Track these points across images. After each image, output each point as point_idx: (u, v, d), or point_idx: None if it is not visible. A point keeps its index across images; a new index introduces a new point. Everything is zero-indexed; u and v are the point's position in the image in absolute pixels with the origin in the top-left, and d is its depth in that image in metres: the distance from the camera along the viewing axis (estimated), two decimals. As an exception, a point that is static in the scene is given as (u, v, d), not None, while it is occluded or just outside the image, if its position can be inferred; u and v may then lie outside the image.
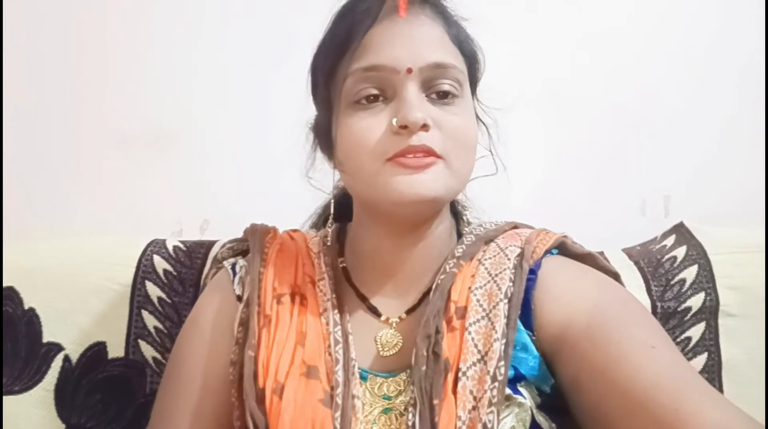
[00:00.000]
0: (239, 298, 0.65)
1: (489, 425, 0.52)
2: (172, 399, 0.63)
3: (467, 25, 0.66)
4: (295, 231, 0.74)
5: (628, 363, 0.53)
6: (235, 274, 0.67)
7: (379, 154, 0.58)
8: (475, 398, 0.54)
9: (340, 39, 0.61)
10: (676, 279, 0.81)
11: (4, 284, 0.80)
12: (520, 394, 0.57)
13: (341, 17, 0.63)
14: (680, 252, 0.84)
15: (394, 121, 0.58)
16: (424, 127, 0.58)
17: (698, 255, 0.83)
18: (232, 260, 0.70)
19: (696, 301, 0.80)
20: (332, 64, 0.62)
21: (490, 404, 0.53)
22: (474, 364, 0.56)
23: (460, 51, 0.63)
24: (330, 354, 0.59)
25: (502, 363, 0.55)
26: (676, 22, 1.04)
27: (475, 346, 0.57)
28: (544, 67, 1.03)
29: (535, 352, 0.59)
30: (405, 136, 0.58)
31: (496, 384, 0.54)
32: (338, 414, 0.55)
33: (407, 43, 0.60)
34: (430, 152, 0.58)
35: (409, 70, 0.58)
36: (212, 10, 1.03)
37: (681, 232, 0.87)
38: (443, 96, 0.61)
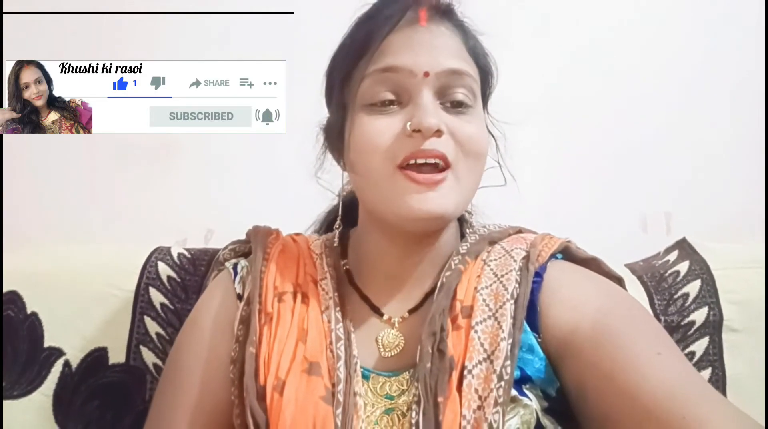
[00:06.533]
0: (240, 297, 0.65)
1: (494, 425, 0.52)
2: (170, 398, 0.62)
3: (481, 40, 0.67)
4: (297, 234, 0.74)
5: (634, 369, 0.53)
6: (236, 274, 0.67)
7: (391, 157, 0.59)
8: (480, 397, 0.54)
9: (359, 42, 0.62)
10: (680, 293, 0.81)
11: (8, 288, 0.80)
12: (526, 396, 0.57)
13: (362, 23, 0.64)
14: (683, 267, 0.84)
15: (408, 124, 0.58)
16: (438, 132, 0.58)
17: (701, 270, 0.83)
18: (233, 261, 0.70)
19: (699, 316, 0.80)
20: (349, 67, 0.63)
21: (496, 404, 0.53)
22: (480, 362, 0.55)
23: (475, 63, 0.65)
24: (332, 351, 0.59)
25: (509, 362, 0.55)
26: (678, 39, 1.06)
27: (482, 345, 0.56)
28: (546, 84, 1.04)
29: (542, 354, 0.59)
30: (418, 140, 0.58)
31: (502, 383, 0.54)
32: (339, 411, 0.55)
33: (426, 49, 0.60)
34: (441, 158, 0.58)
35: (426, 74, 0.59)
36: (215, 22, 1.05)
37: (683, 247, 0.87)
38: (457, 105, 0.61)
